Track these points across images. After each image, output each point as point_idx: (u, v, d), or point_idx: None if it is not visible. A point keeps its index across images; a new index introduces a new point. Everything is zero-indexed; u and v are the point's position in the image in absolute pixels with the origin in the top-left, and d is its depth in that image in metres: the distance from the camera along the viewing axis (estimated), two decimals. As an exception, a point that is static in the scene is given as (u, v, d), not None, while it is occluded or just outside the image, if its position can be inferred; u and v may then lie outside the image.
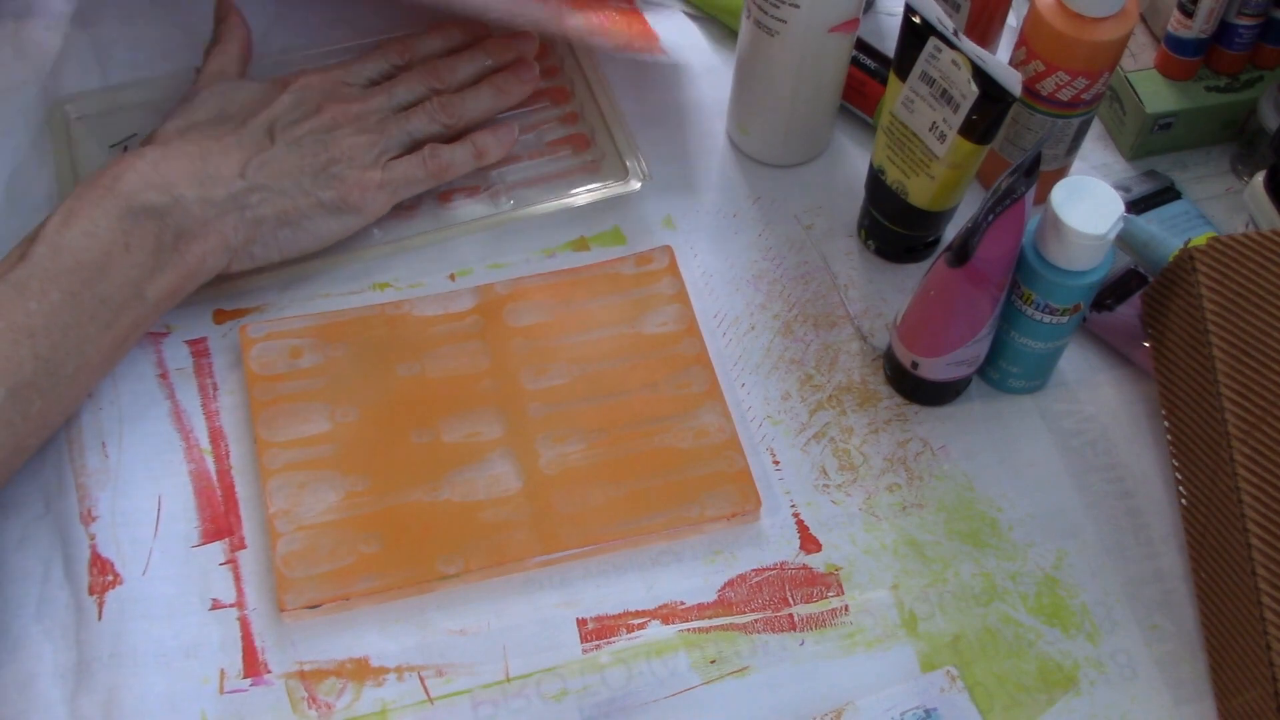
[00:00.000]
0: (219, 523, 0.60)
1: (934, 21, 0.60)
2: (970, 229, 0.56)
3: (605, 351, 0.65)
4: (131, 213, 0.58)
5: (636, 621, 0.58)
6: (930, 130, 0.62)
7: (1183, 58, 0.72)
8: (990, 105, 0.59)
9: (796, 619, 0.58)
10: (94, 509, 0.59)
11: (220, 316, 0.65)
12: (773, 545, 0.60)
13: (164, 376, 0.63)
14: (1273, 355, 0.57)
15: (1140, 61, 0.74)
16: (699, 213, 0.71)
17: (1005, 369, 0.64)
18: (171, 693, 0.55)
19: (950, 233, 0.69)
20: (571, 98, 0.74)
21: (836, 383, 0.66)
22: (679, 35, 0.78)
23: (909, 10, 0.61)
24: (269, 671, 0.56)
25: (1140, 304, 0.64)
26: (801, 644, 0.58)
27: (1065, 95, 0.64)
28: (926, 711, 0.56)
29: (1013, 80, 0.58)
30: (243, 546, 0.59)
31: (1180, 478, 0.60)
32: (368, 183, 0.64)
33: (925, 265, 0.66)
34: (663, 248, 0.69)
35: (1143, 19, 0.75)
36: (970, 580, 0.60)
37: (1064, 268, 0.58)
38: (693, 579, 0.59)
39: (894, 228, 0.68)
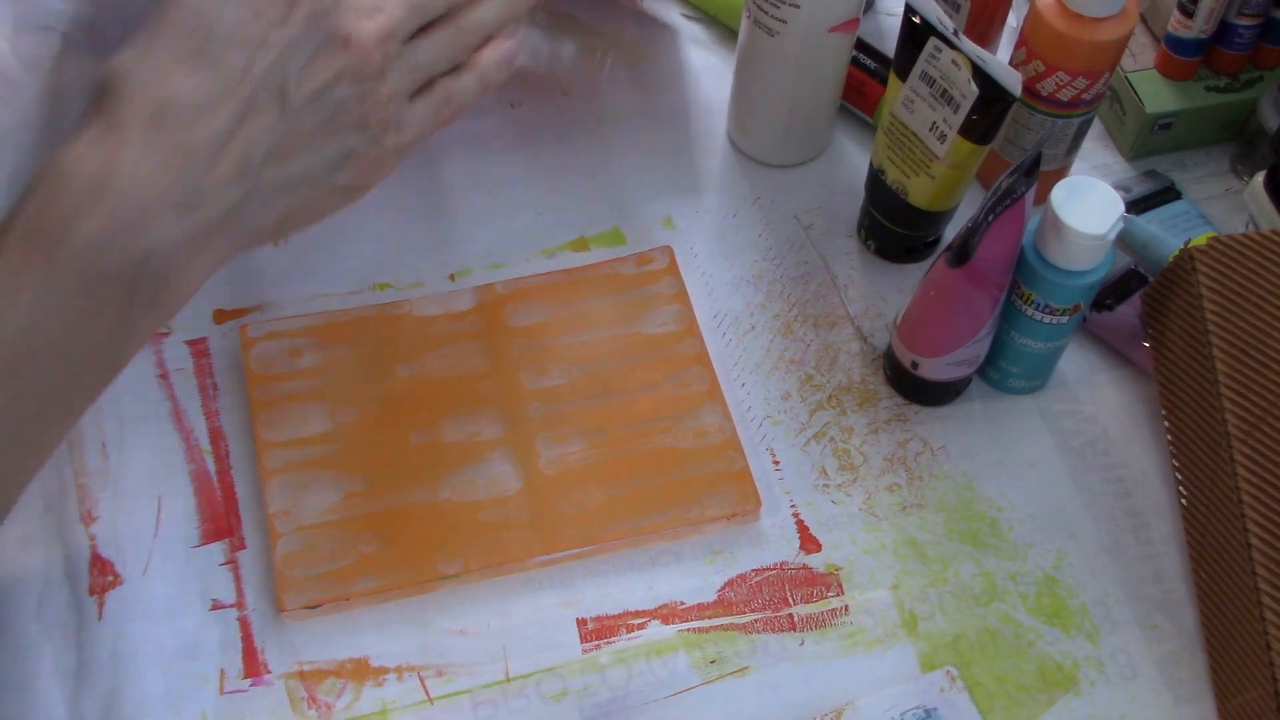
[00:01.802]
0: (219, 523, 0.60)
1: (934, 21, 0.60)
2: (970, 229, 0.56)
3: (605, 351, 0.65)
4: (92, 282, 0.43)
5: (636, 621, 0.58)
6: (930, 130, 0.62)
7: (1183, 58, 0.72)
8: (990, 105, 0.59)
9: (796, 619, 0.58)
10: (94, 509, 0.59)
11: (220, 316, 0.65)
12: (773, 545, 0.60)
13: (164, 376, 0.63)
14: (1273, 355, 0.57)
15: (1140, 61, 0.74)
16: (699, 213, 0.71)
17: (1005, 369, 0.64)
18: (171, 693, 0.55)
19: (950, 233, 0.69)
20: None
21: (836, 383, 0.66)
22: (679, 35, 0.78)
23: (909, 10, 0.61)
24: (269, 672, 0.56)
25: (1140, 304, 0.64)
26: (801, 644, 0.58)
27: (1065, 95, 0.64)
28: (926, 711, 0.56)
29: (1013, 80, 0.58)
30: (243, 547, 0.59)
31: (1180, 478, 0.60)
32: (385, 158, 0.52)
33: (925, 265, 0.66)
34: (663, 248, 0.69)
35: (1143, 19, 0.75)
36: (970, 580, 0.60)
37: (1064, 268, 0.58)
38: (693, 579, 0.59)
39: (894, 228, 0.68)
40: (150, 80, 0.44)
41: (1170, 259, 0.61)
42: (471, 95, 0.55)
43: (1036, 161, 0.55)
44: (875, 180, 0.67)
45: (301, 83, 0.46)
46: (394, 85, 0.50)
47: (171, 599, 0.57)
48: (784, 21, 0.64)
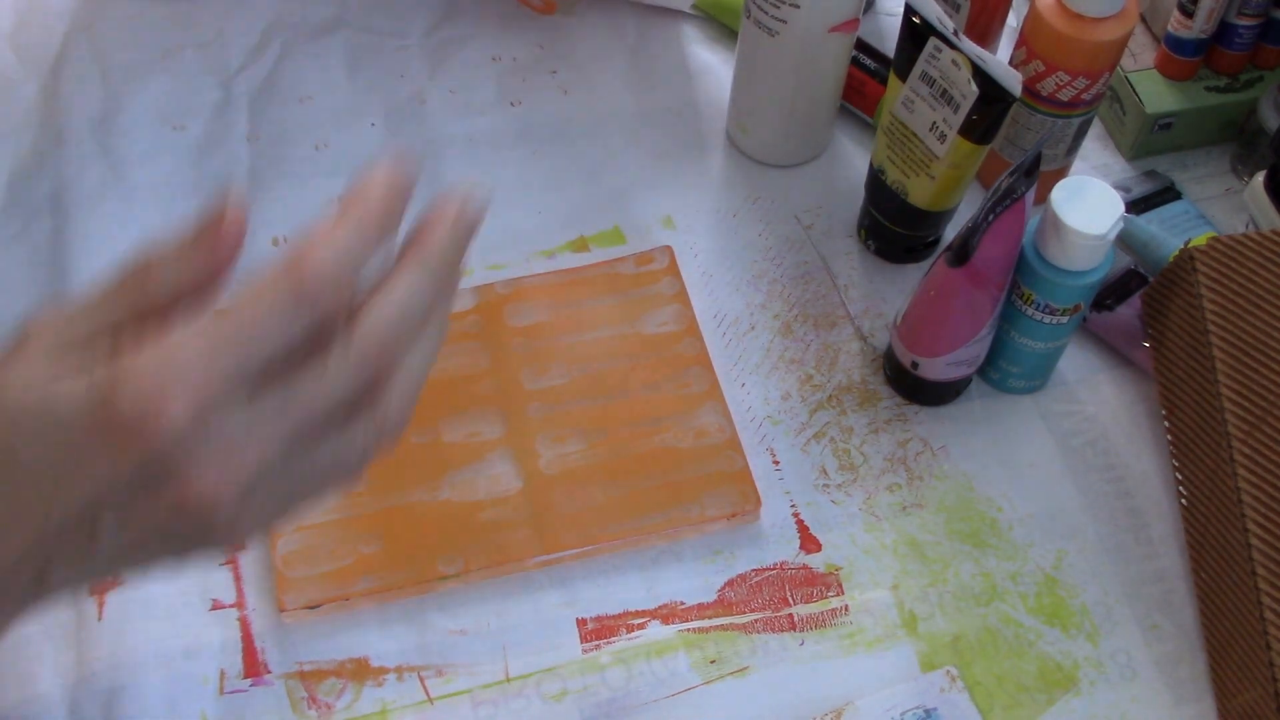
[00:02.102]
0: (219, 523, 0.59)
1: (934, 21, 0.60)
2: (970, 229, 0.56)
3: (605, 351, 0.65)
4: None
5: (636, 621, 0.58)
6: (930, 130, 0.62)
7: (1183, 58, 0.72)
8: (990, 105, 0.59)
9: (796, 619, 0.58)
10: (94, 509, 0.59)
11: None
12: (773, 545, 0.60)
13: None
14: (1273, 355, 0.57)
15: (1140, 61, 0.74)
16: (699, 213, 0.71)
17: (1005, 369, 0.64)
18: (171, 693, 0.55)
19: (950, 233, 0.69)
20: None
21: (836, 383, 0.66)
22: (679, 35, 0.78)
23: (909, 10, 0.61)
24: (269, 672, 0.56)
25: (1140, 304, 0.64)
26: (801, 644, 0.58)
27: (1065, 95, 0.64)
28: (926, 711, 0.56)
29: (1013, 80, 0.58)
30: (243, 547, 0.59)
31: (1180, 478, 0.60)
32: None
33: (925, 265, 0.66)
34: (663, 248, 0.69)
35: (1143, 19, 0.75)
36: (970, 580, 0.60)
37: (1064, 268, 0.58)
38: (693, 579, 0.59)
39: (894, 228, 0.68)
40: None
41: (1170, 259, 0.61)
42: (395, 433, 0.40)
43: (1036, 161, 0.55)
44: (875, 180, 0.67)
45: (118, 519, 0.37)
46: (251, 518, 0.38)
47: (171, 599, 0.57)
48: (784, 21, 0.64)
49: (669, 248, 0.69)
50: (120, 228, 0.68)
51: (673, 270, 0.68)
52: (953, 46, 0.59)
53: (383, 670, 0.56)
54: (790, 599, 0.59)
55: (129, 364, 0.35)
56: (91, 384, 0.35)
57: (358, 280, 0.37)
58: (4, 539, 0.37)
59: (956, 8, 0.71)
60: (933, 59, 0.60)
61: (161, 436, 0.34)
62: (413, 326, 0.38)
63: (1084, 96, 0.64)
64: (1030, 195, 0.55)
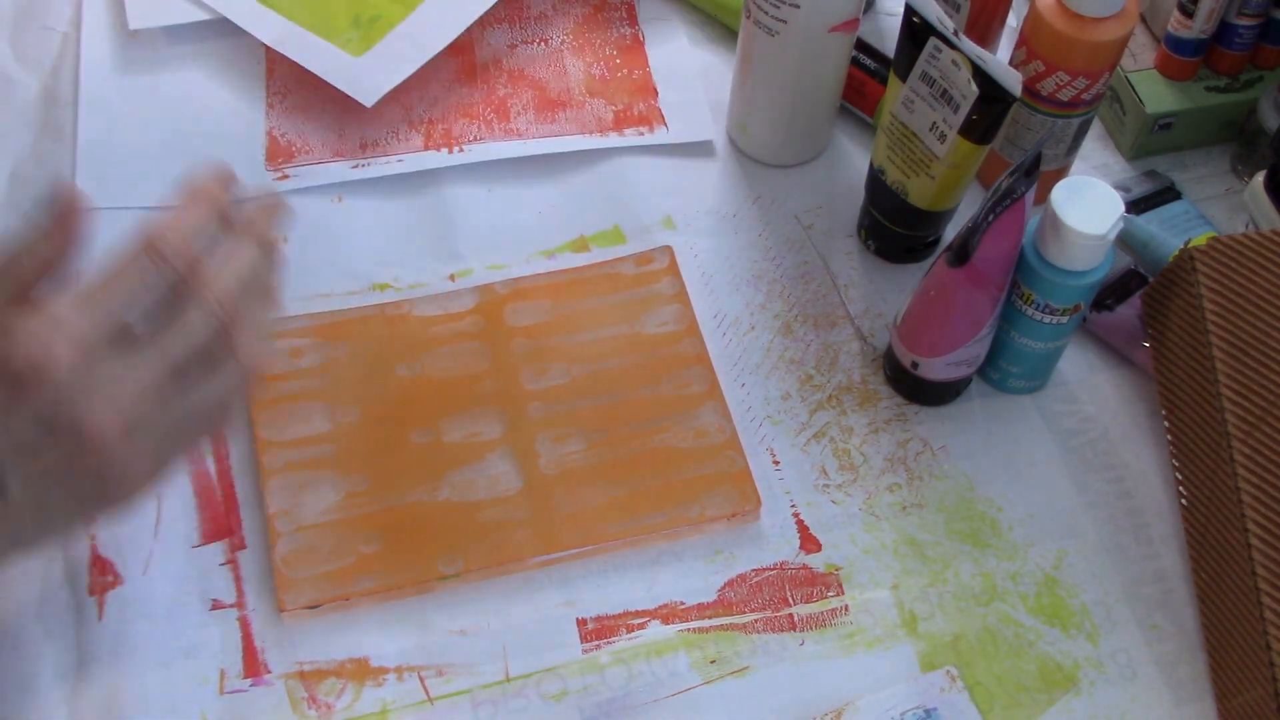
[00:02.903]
0: (219, 523, 0.59)
1: (934, 21, 0.60)
2: (970, 229, 0.56)
3: (605, 351, 0.65)
4: None
5: (636, 621, 0.58)
6: (930, 130, 0.62)
7: (1183, 58, 0.72)
8: (990, 105, 0.59)
9: (796, 619, 0.58)
10: (94, 509, 0.59)
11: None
12: (773, 545, 0.60)
13: None
14: (1273, 355, 0.57)
15: (1140, 61, 0.74)
16: (699, 213, 0.71)
17: (1005, 369, 0.64)
18: (171, 693, 0.55)
19: (950, 233, 0.69)
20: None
21: (836, 383, 0.66)
22: (679, 34, 0.78)
23: (909, 10, 0.61)
24: (269, 672, 0.56)
25: (1140, 304, 0.64)
26: (801, 644, 0.58)
27: (1065, 95, 0.64)
28: (926, 711, 0.56)
29: (1013, 80, 0.58)
30: (243, 547, 0.59)
31: (1180, 478, 0.60)
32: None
33: (925, 265, 0.66)
34: (663, 248, 0.69)
35: (1143, 19, 0.75)
36: (970, 580, 0.60)
37: (1064, 268, 0.58)
38: (693, 579, 0.59)
39: (894, 228, 0.68)
40: None
41: (1170, 259, 0.61)
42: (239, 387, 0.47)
43: (1036, 161, 0.55)
44: (875, 180, 0.67)
45: (20, 470, 0.43)
46: (144, 458, 0.45)
47: (171, 599, 0.57)
48: (784, 21, 0.64)
49: (669, 248, 0.69)
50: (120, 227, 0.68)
51: (673, 270, 0.68)
52: (953, 46, 0.59)
53: (383, 670, 0.56)
54: (790, 599, 0.59)
55: (15, 325, 0.41)
56: None
57: (204, 251, 0.46)
58: None
59: (956, 8, 0.71)
60: (933, 59, 0.60)
61: (53, 378, 0.41)
62: (251, 285, 0.47)
63: (1084, 96, 0.64)
64: (1030, 195, 0.55)
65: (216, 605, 0.57)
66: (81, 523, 0.47)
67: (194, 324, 0.45)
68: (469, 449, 0.61)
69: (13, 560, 0.46)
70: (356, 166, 0.71)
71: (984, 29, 0.72)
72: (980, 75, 0.58)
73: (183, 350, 0.44)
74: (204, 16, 0.75)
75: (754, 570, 0.60)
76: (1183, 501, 0.60)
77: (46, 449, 0.42)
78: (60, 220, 0.46)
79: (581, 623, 0.58)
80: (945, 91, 0.60)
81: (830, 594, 0.59)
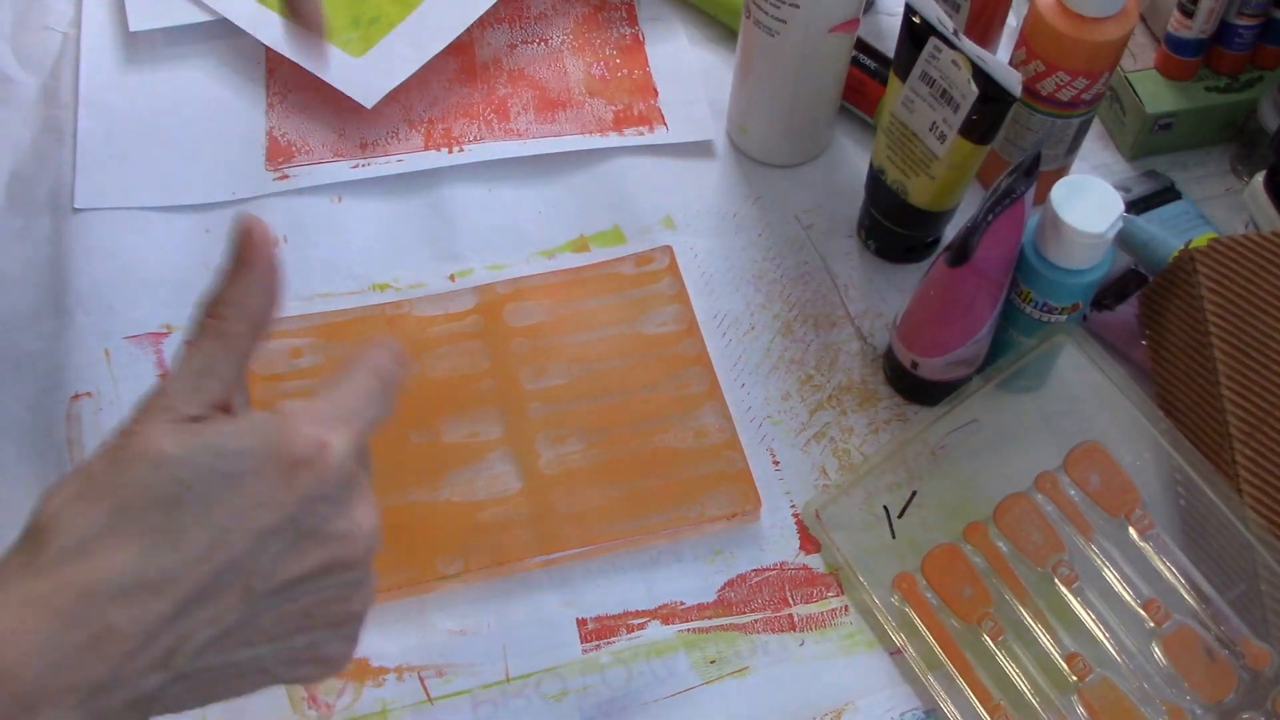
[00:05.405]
0: (219, 523, 0.59)
1: (934, 21, 0.60)
2: (970, 229, 0.56)
3: (605, 351, 0.65)
4: None
5: (636, 621, 0.58)
6: (930, 130, 0.62)
7: (1183, 58, 0.72)
8: (990, 105, 0.59)
9: (796, 619, 0.58)
10: (94, 509, 0.59)
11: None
12: (772, 545, 0.60)
13: (165, 377, 0.63)
14: (1273, 357, 0.57)
15: (1140, 61, 0.74)
16: (699, 213, 0.71)
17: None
18: (171, 693, 0.55)
19: (950, 233, 0.69)
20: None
21: (836, 383, 0.66)
22: (679, 34, 0.78)
23: (909, 10, 0.61)
24: (269, 671, 0.56)
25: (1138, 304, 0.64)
26: (801, 644, 0.58)
27: (1065, 95, 0.64)
28: (926, 712, 0.56)
29: (1013, 80, 0.58)
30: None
31: (1179, 477, 0.60)
32: (349, 652, 0.42)
33: (925, 265, 0.66)
34: (663, 248, 0.69)
35: (1143, 19, 0.75)
36: (970, 580, 0.60)
37: (1063, 266, 0.58)
38: (693, 579, 0.59)
39: (894, 228, 0.68)
40: (92, 549, 0.35)
41: (1170, 259, 0.61)
42: None
43: (1036, 161, 0.55)
44: (875, 180, 0.67)
45: (275, 572, 0.37)
46: (372, 583, 0.41)
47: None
48: (784, 21, 0.64)
49: (669, 248, 0.69)
50: (120, 227, 0.68)
51: (673, 270, 0.68)
52: (953, 46, 0.59)
53: (383, 670, 0.56)
54: (790, 599, 0.59)
55: (290, 410, 0.38)
56: (258, 423, 0.37)
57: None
58: (164, 583, 0.35)
59: (956, 8, 0.71)
60: (933, 59, 0.60)
61: (330, 472, 0.37)
62: None
63: (1084, 96, 0.64)
64: (1030, 195, 0.55)
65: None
66: (299, 671, 0.40)
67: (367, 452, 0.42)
68: (469, 449, 0.61)
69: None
70: (356, 166, 0.71)
71: (984, 29, 0.72)
72: (980, 75, 0.58)
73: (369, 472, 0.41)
74: (204, 17, 0.75)
75: (754, 570, 0.60)
76: (1181, 503, 0.60)
77: (310, 548, 0.37)
78: (249, 244, 0.40)
79: (581, 623, 0.58)
80: (945, 91, 0.60)
81: (830, 594, 0.59)
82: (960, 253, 0.56)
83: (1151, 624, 0.56)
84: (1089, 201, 0.56)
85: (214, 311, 0.39)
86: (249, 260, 0.40)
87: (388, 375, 0.41)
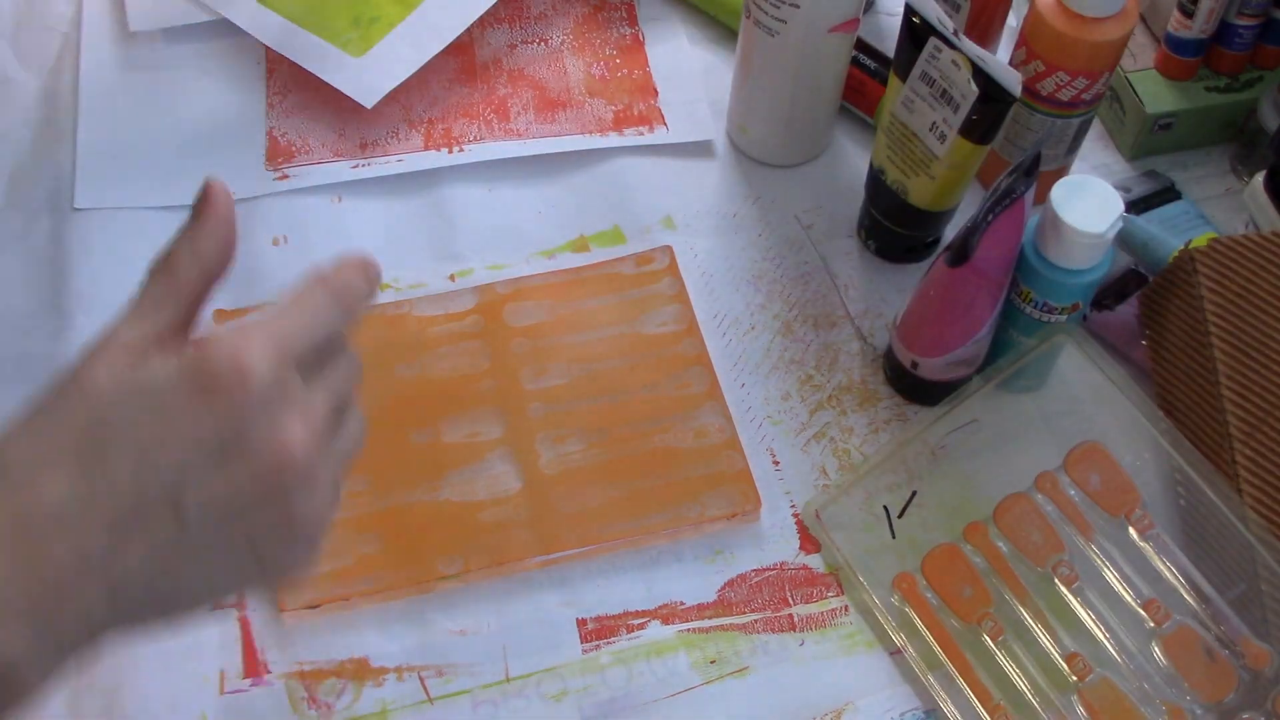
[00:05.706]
0: (219, 523, 0.59)
1: (934, 21, 0.60)
2: (970, 229, 0.56)
3: (605, 351, 0.65)
4: None
5: (636, 621, 0.58)
6: (930, 130, 0.62)
7: (1183, 58, 0.72)
8: (990, 105, 0.59)
9: (796, 619, 0.58)
10: (94, 509, 0.59)
11: (220, 317, 0.65)
12: (772, 545, 0.60)
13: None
14: (1274, 357, 0.57)
15: (1140, 61, 0.74)
16: (699, 213, 0.71)
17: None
18: (171, 693, 0.55)
19: (950, 233, 0.69)
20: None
21: (836, 383, 0.66)
22: (679, 34, 0.78)
23: (909, 10, 0.61)
24: (269, 672, 0.56)
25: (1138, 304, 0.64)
26: (801, 644, 0.58)
27: (1065, 95, 0.64)
28: (926, 712, 0.56)
29: (1013, 80, 0.58)
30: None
31: (1179, 477, 0.60)
32: (310, 549, 0.43)
33: (925, 265, 0.66)
34: (663, 248, 0.69)
35: (1143, 19, 0.75)
36: (970, 580, 0.60)
37: (1063, 266, 0.58)
38: (693, 579, 0.59)
39: (894, 228, 0.68)
40: (20, 482, 0.37)
41: (1170, 259, 0.61)
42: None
43: (1036, 161, 0.55)
44: (875, 180, 0.67)
45: (203, 489, 0.38)
46: (323, 493, 0.41)
47: (171, 599, 0.57)
48: (784, 21, 0.64)
49: (669, 248, 0.69)
50: (120, 227, 0.68)
51: (673, 270, 0.68)
52: (953, 46, 0.59)
53: (383, 670, 0.56)
54: (790, 599, 0.59)
55: (213, 336, 0.39)
56: (181, 355, 0.38)
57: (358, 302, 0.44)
58: (92, 512, 0.37)
59: (956, 8, 0.71)
60: (933, 59, 0.60)
61: (249, 390, 0.38)
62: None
63: (1084, 96, 0.64)
64: (1030, 195, 0.55)
65: (216, 605, 0.57)
66: (251, 577, 0.41)
67: (343, 369, 0.43)
68: (469, 449, 0.61)
69: (166, 625, 0.40)
70: (356, 166, 0.71)
71: (984, 29, 0.72)
72: (980, 75, 0.58)
73: (338, 391, 0.42)
74: (204, 17, 0.75)
75: (754, 570, 0.60)
76: (1181, 503, 0.60)
77: (235, 465, 0.38)
78: (209, 209, 0.41)
79: (581, 623, 0.58)
80: (945, 91, 0.60)
81: (830, 594, 0.59)
82: (960, 253, 0.56)
83: (1151, 624, 0.56)
84: (1089, 201, 0.56)
85: (167, 256, 0.41)
86: (204, 212, 0.41)
87: (341, 286, 0.43)
